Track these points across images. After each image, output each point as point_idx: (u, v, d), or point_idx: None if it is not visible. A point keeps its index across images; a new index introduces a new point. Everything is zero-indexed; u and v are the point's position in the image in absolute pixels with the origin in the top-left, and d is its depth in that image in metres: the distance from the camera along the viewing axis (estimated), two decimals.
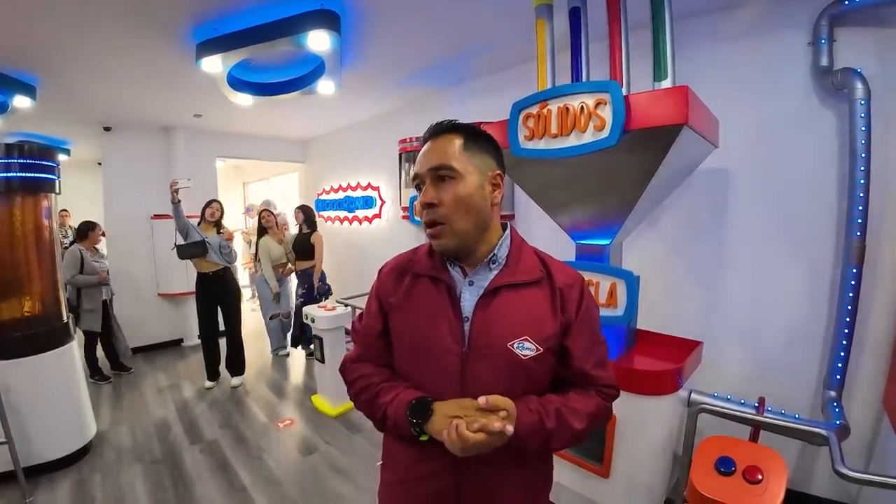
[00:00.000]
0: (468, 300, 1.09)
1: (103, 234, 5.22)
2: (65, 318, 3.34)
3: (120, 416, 4.02)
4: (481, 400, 0.96)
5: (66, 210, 7.47)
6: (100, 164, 5.87)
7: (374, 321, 1.20)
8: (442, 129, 1.09)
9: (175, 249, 4.28)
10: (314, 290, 5.33)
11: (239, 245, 6.99)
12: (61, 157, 4.18)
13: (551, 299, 1.09)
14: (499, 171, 1.10)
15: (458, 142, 1.06)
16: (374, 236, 5.83)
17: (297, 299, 5.53)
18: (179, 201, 4.04)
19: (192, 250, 4.28)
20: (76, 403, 3.31)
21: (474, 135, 1.09)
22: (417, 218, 4.33)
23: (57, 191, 3.32)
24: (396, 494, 1.18)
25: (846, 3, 2.21)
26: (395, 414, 1.06)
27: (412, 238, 4.97)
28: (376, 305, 1.20)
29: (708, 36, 2.69)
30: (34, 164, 3.12)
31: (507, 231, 1.16)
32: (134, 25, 2.76)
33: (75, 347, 3.38)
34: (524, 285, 1.09)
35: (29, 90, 3.70)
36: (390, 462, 1.21)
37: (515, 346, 1.04)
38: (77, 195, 6.50)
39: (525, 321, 1.06)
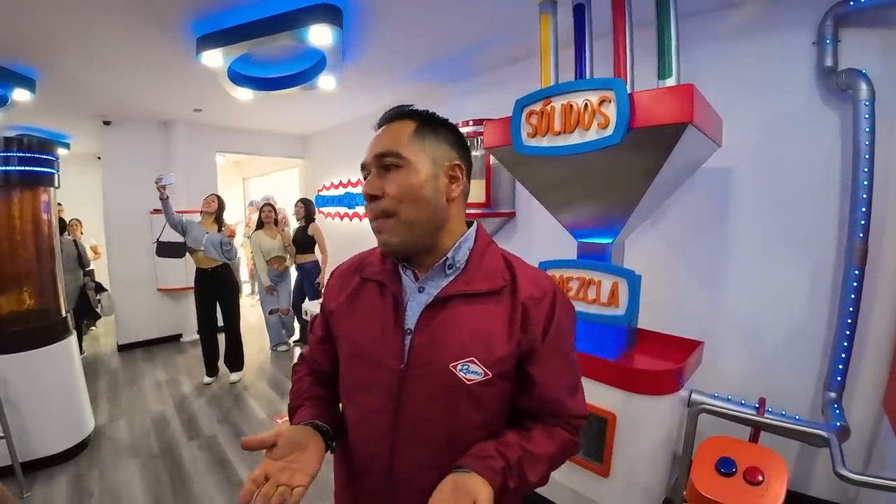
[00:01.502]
0: (414, 309, 0.95)
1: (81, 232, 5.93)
2: (63, 313, 3.33)
3: (118, 411, 4.01)
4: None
5: (60, 204, 7.45)
6: (99, 158, 5.85)
7: (318, 327, 1.14)
8: (393, 116, 0.98)
9: (155, 245, 4.28)
10: (319, 285, 5.35)
11: (240, 240, 6.99)
12: (61, 152, 4.18)
13: (510, 314, 0.92)
14: (458, 163, 0.96)
15: (409, 128, 0.93)
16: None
17: (293, 295, 5.54)
18: (167, 197, 4.03)
19: (170, 251, 4.28)
20: (74, 398, 3.30)
21: (429, 121, 0.96)
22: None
23: (56, 185, 3.31)
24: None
25: (851, 3, 2.19)
26: None
27: None
28: (322, 313, 1.13)
29: (712, 35, 2.68)
30: (33, 158, 3.11)
31: (471, 231, 1.01)
32: (134, 19, 2.75)
33: (73, 342, 3.38)
34: (481, 296, 0.93)
35: (28, 83, 3.68)
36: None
37: (459, 367, 0.89)
38: (76, 189, 6.47)
39: (474, 339, 0.91)
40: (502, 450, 0.89)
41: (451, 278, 0.96)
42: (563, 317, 0.97)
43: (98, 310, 5.73)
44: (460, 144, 1.00)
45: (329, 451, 0.96)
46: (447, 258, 0.95)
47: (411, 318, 0.95)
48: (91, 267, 5.87)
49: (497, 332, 0.91)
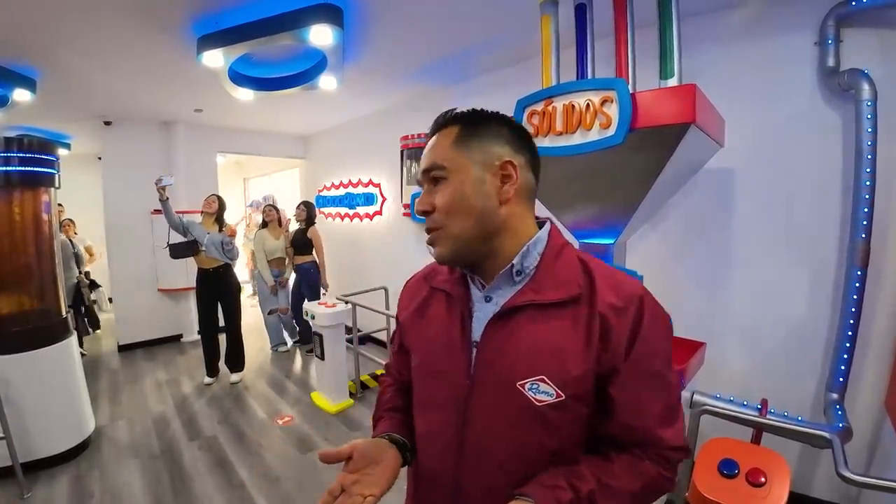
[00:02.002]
0: (480, 321, 0.88)
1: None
2: (63, 313, 3.33)
3: (119, 412, 4.01)
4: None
5: (60, 204, 7.48)
6: (100, 158, 5.85)
7: (396, 336, 1.12)
8: (440, 125, 0.91)
9: (167, 248, 4.29)
10: (318, 288, 5.36)
11: (240, 240, 6.99)
12: (62, 152, 4.18)
13: (586, 327, 0.81)
14: (509, 159, 0.85)
15: (452, 135, 0.87)
16: (375, 233, 5.82)
17: (292, 296, 5.55)
18: (167, 198, 4.03)
19: (183, 250, 4.28)
20: (75, 399, 3.30)
21: (473, 121, 0.89)
22: (419, 215, 4.35)
23: (56, 185, 3.31)
24: None
25: (853, 3, 2.19)
26: None
27: (413, 236, 4.97)
28: (397, 324, 1.10)
29: (714, 35, 2.68)
30: (34, 158, 3.11)
31: (542, 232, 0.90)
32: (135, 19, 2.75)
33: (74, 342, 3.37)
34: (553, 306, 0.83)
35: (29, 84, 3.68)
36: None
37: (528, 386, 0.80)
38: (77, 190, 6.48)
39: (544, 355, 0.81)
40: (573, 480, 0.79)
41: (520, 286, 0.87)
42: (652, 329, 0.82)
43: (93, 306, 5.90)
44: (514, 137, 0.89)
45: (406, 465, 0.95)
46: (513, 264, 0.87)
47: (477, 330, 0.88)
48: (87, 269, 6.02)
49: (572, 348, 0.80)
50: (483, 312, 0.89)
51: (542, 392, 0.80)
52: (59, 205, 7.48)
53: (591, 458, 0.84)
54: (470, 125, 0.88)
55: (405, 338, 1.05)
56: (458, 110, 0.93)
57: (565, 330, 0.81)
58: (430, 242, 0.90)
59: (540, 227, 0.92)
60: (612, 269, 0.89)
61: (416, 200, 0.91)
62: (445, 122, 0.91)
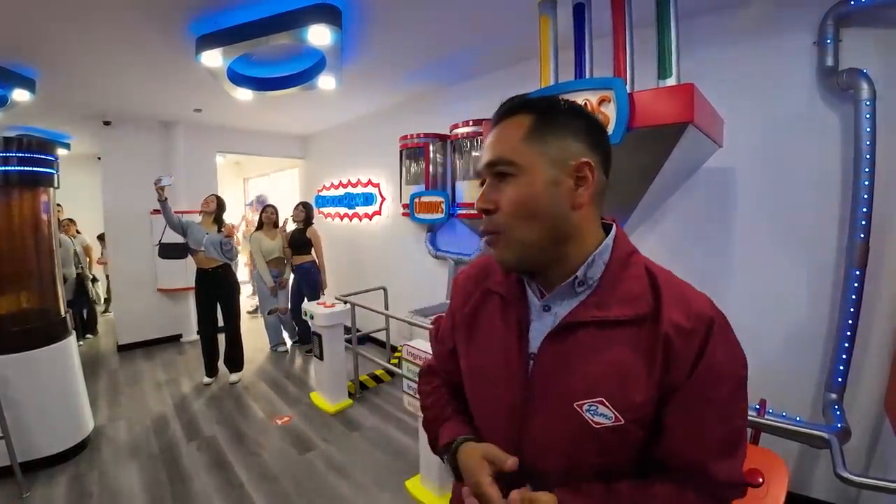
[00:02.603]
0: (538, 331, 0.83)
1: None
2: (62, 313, 3.33)
3: (118, 412, 4.01)
4: (510, 462, 0.79)
5: (59, 205, 7.54)
6: (100, 158, 5.86)
7: (448, 337, 1.03)
8: (507, 111, 0.82)
9: (157, 247, 4.31)
10: (318, 288, 5.36)
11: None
12: (61, 152, 4.18)
13: (650, 348, 0.74)
14: (586, 160, 0.77)
15: (524, 125, 0.78)
16: (374, 233, 5.82)
17: (292, 297, 5.55)
18: (166, 199, 4.04)
19: (172, 252, 4.29)
20: (74, 398, 3.30)
21: (549, 112, 0.79)
22: (418, 215, 4.37)
23: (56, 185, 3.31)
24: None
25: (852, 3, 2.19)
26: (438, 451, 0.96)
27: (412, 236, 4.97)
28: (449, 322, 1.03)
29: (712, 35, 2.67)
30: (33, 158, 3.12)
31: (608, 239, 0.82)
32: (134, 18, 2.74)
33: (73, 342, 3.37)
34: (619, 324, 0.76)
35: (28, 84, 3.67)
36: None
37: (585, 407, 0.75)
38: (77, 190, 6.49)
39: (605, 376, 0.75)
40: (609, 496, 0.75)
41: (582, 297, 0.80)
42: (719, 353, 0.73)
43: (94, 298, 6.35)
44: (592, 134, 0.81)
45: None
46: (577, 276, 0.80)
47: (535, 340, 0.82)
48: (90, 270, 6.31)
49: (634, 371, 0.74)
50: (542, 323, 0.83)
51: (601, 415, 0.75)
52: (58, 205, 7.56)
53: (636, 480, 0.78)
54: (545, 116, 0.79)
55: (458, 340, 0.98)
56: (529, 96, 0.84)
57: (629, 350, 0.75)
58: (490, 244, 0.82)
59: (606, 230, 0.85)
60: (681, 283, 0.81)
61: (478, 196, 0.82)
62: (515, 108, 0.82)
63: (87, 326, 6.24)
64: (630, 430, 0.74)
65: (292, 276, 5.55)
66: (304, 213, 5.47)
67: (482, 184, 0.83)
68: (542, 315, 0.83)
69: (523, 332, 0.84)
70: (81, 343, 5.55)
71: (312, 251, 5.45)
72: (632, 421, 0.74)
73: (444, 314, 1.12)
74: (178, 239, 4.38)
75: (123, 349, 5.71)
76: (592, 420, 0.75)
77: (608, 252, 0.81)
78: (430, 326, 3.04)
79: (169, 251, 4.31)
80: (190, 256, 4.46)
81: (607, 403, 0.74)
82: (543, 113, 0.79)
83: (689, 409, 0.74)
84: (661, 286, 0.77)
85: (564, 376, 0.78)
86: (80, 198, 6.99)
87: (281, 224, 5.54)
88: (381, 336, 5.26)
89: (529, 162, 0.77)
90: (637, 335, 0.75)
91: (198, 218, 4.52)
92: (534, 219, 0.77)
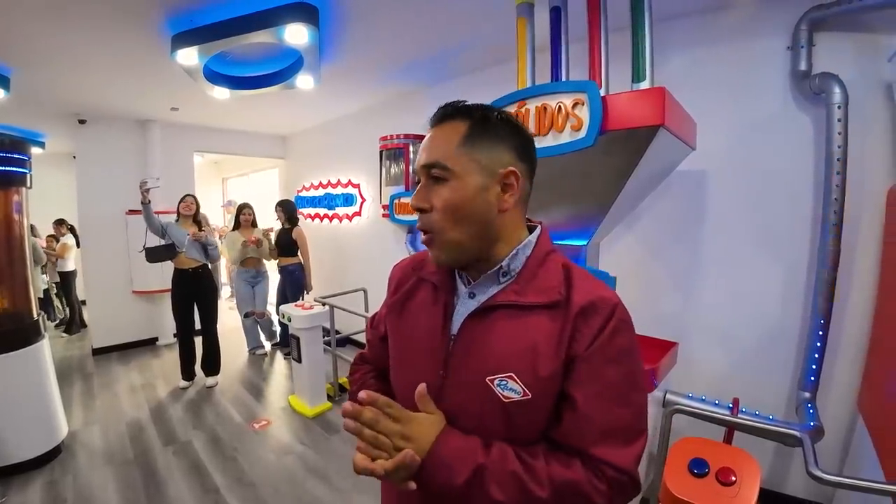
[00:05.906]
0: (461, 314, 0.90)
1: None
2: (35, 316, 3.25)
3: (92, 416, 3.93)
4: (420, 388, 0.85)
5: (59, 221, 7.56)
6: (75, 157, 5.74)
7: (380, 324, 1.10)
8: (445, 115, 0.87)
9: (144, 252, 4.21)
10: (301, 290, 5.30)
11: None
12: (35, 151, 4.09)
13: (560, 331, 0.82)
14: (512, 169, 0.85)
15: (460, 132, 0.84)
16: (354, 234, 5.78)
17: (278, 298, 5.47)
18: (150, 202, 3.96)
19: (161, 254, 4.21)
20: (47, 403, 3.22)
21: (484, 121, 0.85)
22: (398, 216, 4.35)
23: (28, 185, 3.22)
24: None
25: (826, 8, 2.22)
26: None
27: (392, 236, 4.95)
28: (384, 309, 1.09)
29: (688, 39, 2.70)
30: (5, 158, 3.03)
31: (531, 237, 0.92)
32: (108, 15, 2.69)
33: (46, 346, 3.29)
34: (531, 308, 0.84)
35: (2, 81, 3.59)
36: None
37: (496, 382, 0.82)
38: (52, 190, 6.36)
39: (516, 354, 0.82)
40: (494, 447, 0.81)
41: (503, 286, 0.88)
42: (618, 338, 0.82)
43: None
44: (520, 145, 0.88)
45: None
46: (501, 266, 0.88)
47: (457, 323, 0.90)
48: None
49: (543, 350, 0.81)
50: (465, 307, 0.90)
51: (510, 389, 0.81)
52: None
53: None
54: (480, 124, 0.85)
55: (388, 324, 1.04)
56: (466, 103, 0.89)
57: (540, 332, 0.82)
58: (427, 243, 0.89)
59: (531, 231, 0.94)
60: (595, 280, 0.89)
61: (414, 194, 0.88)
62: (452, 114, 0.87)
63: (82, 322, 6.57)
64: (538, 404, 0.81)
65: (278, 277, 5.46)
66: (283, 212, 5.38)
67: (417, 182, 0.89)
68: (468, 301, 0.91)
69: (448, 315, 0.91)
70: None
71: (299, 253, 5.38)
72: (539, 395, 0.81)
73: None
74: (162, 241, 4.29)
75: (98, 353, 5.59)
76: (503, 394, 0.81)
77: (530, 248, 0.90)
78: None
79: (158, 254, 4.21)
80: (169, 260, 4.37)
81: (516, 378, 0.81)
82: (478, 121, 0.85)
83: (582, 381, 0.81)
84: (574, 279, 0.86)
85: (480, 354, 0.85)
86: (55, 197, 6.84)
87: (265, 231, 5.45)
88: (361, 338, 5.20)
89: (463, 168, 0.83)
90: (549, 320, 0.83)
91: (173, 218, 4.43)
92: (464, 221, 0.84)
